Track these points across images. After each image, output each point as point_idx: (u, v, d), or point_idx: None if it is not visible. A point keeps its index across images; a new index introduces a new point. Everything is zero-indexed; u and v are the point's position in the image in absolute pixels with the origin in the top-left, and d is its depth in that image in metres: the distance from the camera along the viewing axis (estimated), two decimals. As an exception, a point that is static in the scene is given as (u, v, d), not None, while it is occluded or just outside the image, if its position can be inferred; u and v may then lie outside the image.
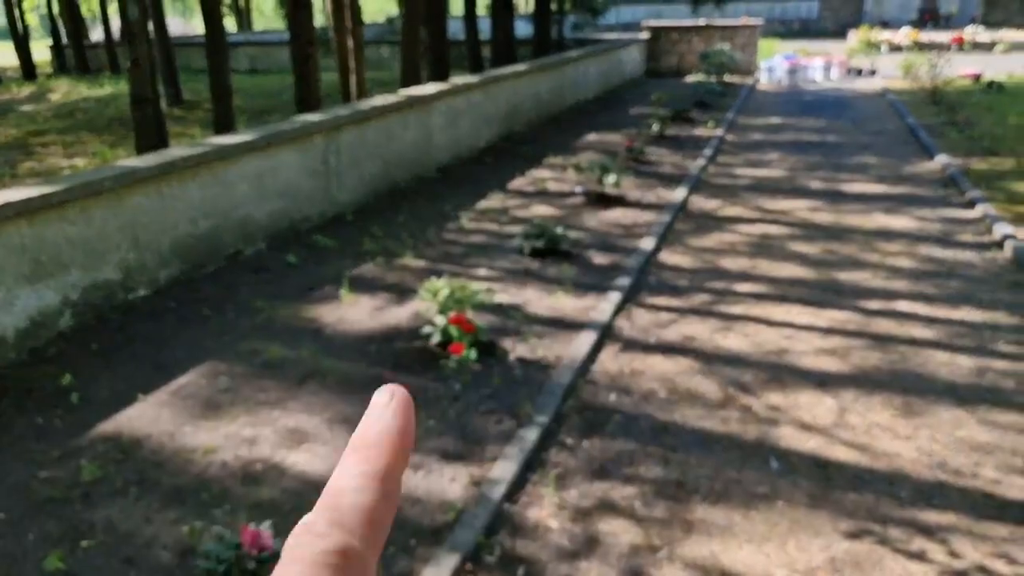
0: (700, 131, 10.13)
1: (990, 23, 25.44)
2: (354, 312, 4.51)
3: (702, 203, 6.95)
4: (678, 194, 7.01)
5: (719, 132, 9.96)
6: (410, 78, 9.76)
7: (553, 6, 16.48)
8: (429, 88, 8.57)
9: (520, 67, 10.96)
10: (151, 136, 7.50)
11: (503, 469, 2.88)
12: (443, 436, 3.17)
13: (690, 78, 14.90)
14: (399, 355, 3.93)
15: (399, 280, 5.04)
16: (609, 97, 13.76)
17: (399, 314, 4.45)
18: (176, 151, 5.24)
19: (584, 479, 2.95)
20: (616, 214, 6.55)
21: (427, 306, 4.02)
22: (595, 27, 18.21)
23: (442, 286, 3.94)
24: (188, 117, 13.31)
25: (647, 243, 5.66)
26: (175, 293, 4.79)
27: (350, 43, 9.93)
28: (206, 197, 5.21)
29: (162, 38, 14.47)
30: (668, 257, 5.56)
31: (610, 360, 3.95)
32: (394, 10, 26.24)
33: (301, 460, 3.02)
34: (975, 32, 21.34)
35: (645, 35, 16.97)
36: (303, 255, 5.55)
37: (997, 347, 4.02)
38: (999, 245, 5.55)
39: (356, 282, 4.99)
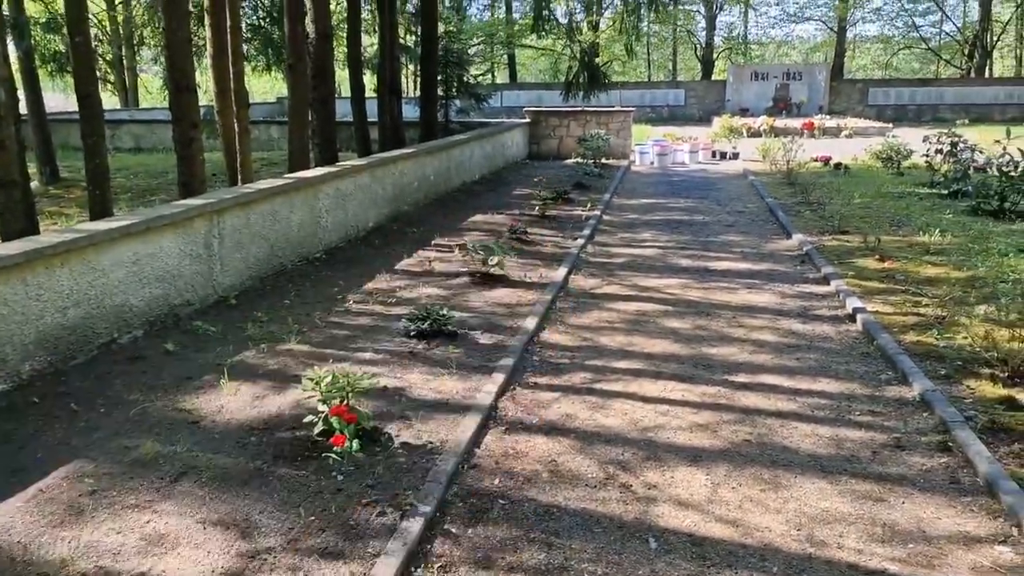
0: (579, 211, 10.55)
1: (835, 111, 27.89)
2: (234, 402, 4.40)
3: (582, 282, 7.21)
4: (559, 273, 7.25)
5: (597, 212, 10.41)
6: (298, 160, 9.76)
7: (439, 91, 16.94)
8: (316, 171, 8.61)
9: (408, 150, 11.18)
10: (18, 221, 7.15)
11: (385, 566, 2.84)
12: (323, 532, 3.11)
13: (569, 161, 15.54)
14: (280, 446, 3.84)
15: (282, 367, 4.95)
16: (494, 178, 14.16)
17: (281, 403, 4.36)
18: (44, 238, 5.02)
19: (469, 571, 2.95)
20: (500, 294, 6.70)
21: (310, 394, 3.97)
22: (480, 111, 18.79)
23: (324, 374, 3.91)
24: (65, 196, 12.80)
25: (530, 323, 5.80)
26: (39, 387, 4.53)
27: (236, 126, 9.87)
28: (77, 285, 5.00)
29: (38, 115, 13.96)
30: (550, 336, 5.71)
31: (494, 443, 4.00)
32: (284, 89, 26.23)
33: (171, 568, 2.89)
34: (823, 119, 23.32)
35: (527, 119, 17.64)
36: (183, 342, 5.38)
37: (853, 417, 4.33)
38: (851, 318, 6.01)
39: (237, 370, 4.87)
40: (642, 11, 16.92)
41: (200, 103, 9.24)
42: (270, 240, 7.21)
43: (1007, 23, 36.45)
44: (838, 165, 14.25)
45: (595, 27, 28.13)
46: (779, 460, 3.83)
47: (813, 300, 6.58)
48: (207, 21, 9.70)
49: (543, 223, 9.82)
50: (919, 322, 5.75)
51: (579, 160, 14.64)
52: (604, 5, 28.83)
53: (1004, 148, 9.95)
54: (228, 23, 9.60)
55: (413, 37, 19.03)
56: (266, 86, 35.16)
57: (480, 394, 4.50)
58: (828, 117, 25.29)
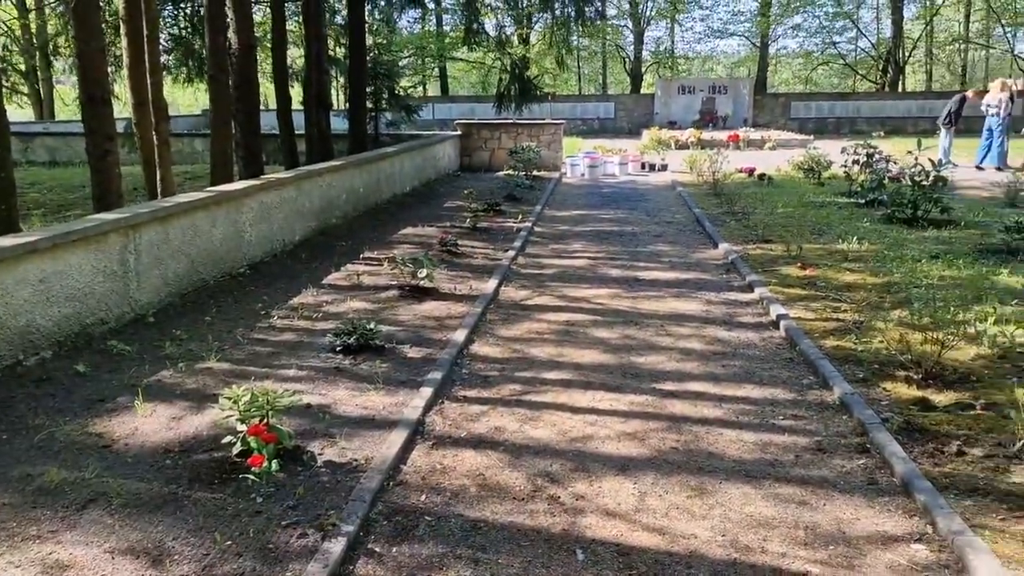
0: (511, 223, 10.56)
1: (759, 124, 28.70)
2: (149, 423, 4.22)
3: (512, 293, 7.19)
4: (489, 285, 7.22)
5: (528, 224, 10.43)
6: (221, 174, 9.51)
7: (369, 103, 16.78)
8: (239, 184, 8.40)
9: (336, 162, 11.02)
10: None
11: (306, 587, 2.75)
12: (240, 558, 2.99)
13: (501, 173, 15.56)
14: (197, 469, 3.69)
15: (201, 386, 4.78)
16: (425, 191, 14.08)
17: (199, 423, 4.21)
18: (-61, 256, 4.75)
19: (393, 588, 2.88)
20: (430, 307, 6.63)
21: (228, 414, 3.84)
22: (411, 124, 18.70)
23: (243, 392, 3.78)
24: (-37, 213, 12.11)
25: (459, 335, 5.75)
26: (-67, 415, 4.27)
27: (156, 138, 9.57)
28: (-25, 305, 4.73)
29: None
30: (479, 348, 5.67)
31: (421, 458, 3.93)
32: (208, 102, 25.58)
33: (77, 599, 2.73)
34: (748, 132, 23.97)
35: (458, 132, 17.63)
36: (95, 363, 5.15)
37: (777, 422, 4.40)
38: (775, 325, 6.14)
39: (153, 390, 4.68)
40: (571, 25, 17.06)
41: (118, 115, 8.93)
42: (190, 255, 6.98)
43: (917, 40, 38.16)
44: (762, 176, 14.63)
45: (525, 40, 28.36)
46: (705, 467, 3.86)
47: (738, 307, 6.70)
48: (123, 30, 9.40)
49: (474, 235, 9.79)
50: (838, 327, 5.91)
51: (510, 172, 14.68)
52: (534, 19, 29.10)
53: (916, 159, 10.37)
54: (146, 33, 9.32)
55: (342, 49, 18.84)
56: (191, 98, 34.33)
57: (407, 409, 4.42)
58: (752, 130, 25.99)
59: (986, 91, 16.61)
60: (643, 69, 38.44)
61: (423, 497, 3.55)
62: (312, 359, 5.29)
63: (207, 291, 7.04)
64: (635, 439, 4.17)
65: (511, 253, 8.63)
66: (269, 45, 15.07)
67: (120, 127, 9.44)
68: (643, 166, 17.53)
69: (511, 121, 18.02)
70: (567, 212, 11.95)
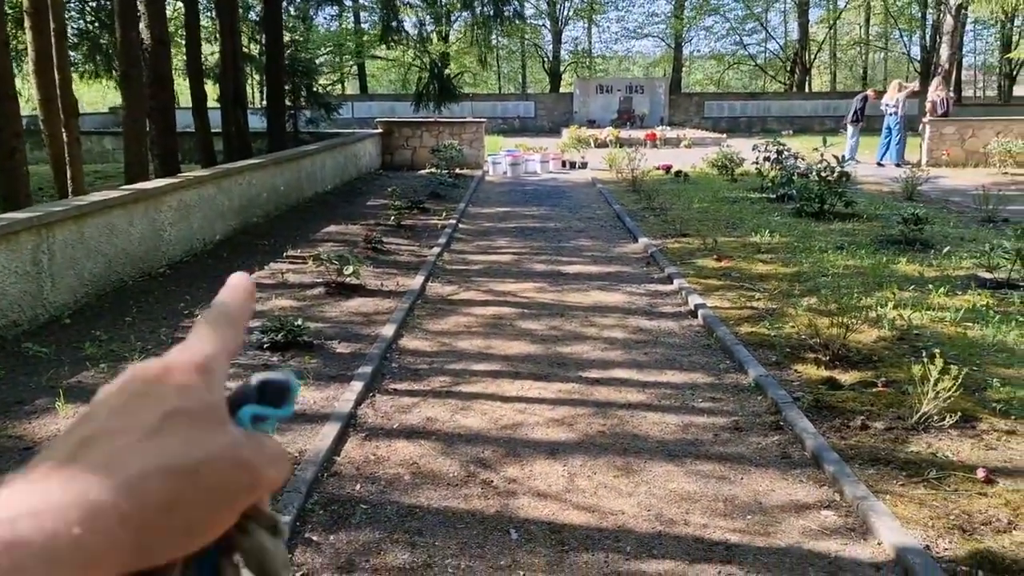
0: (435, 220, 10.61)
1: (675, 123, 29.46)
2: (71, 426, 4.12)
3: (439, 289, 7.26)
4: (416, 281, 7.27)
5: (452, 221, 10.51)
6: (136, 173, 9.25)
7: (287, 101, 16.53)
8: (157, 182, 8.22)
9: (255, 160, 10.85)
10: None
11: None
12: (178, 549, 2.99)
13: (423, 171, 15.56)
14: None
15: (124, 387, 4.69)
16: (347, 189, 13.97)
17: (124, 423, 4.14)
18: None
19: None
20: (357, 303, 6.64)
21: (156, 412, 3.79)
22: (330, 122, 18.49)
23: (172, 390, 3.75)
24: None
25: (388, 330, 5.79)
26: None
27: (65, 136, 9.23)
28: None
29: None
30: (409, 343, 5.72)
31: (355, 449, 3.97)
32: (118, 99, 24.71)
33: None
34: (664, 130, 24.61)
35: (380, 130, 17.54)
36: (10, 366, 4.99)
37: (696, 404, 4.62)
38: (693, 314, 6.39)
39: (75, 391, 4.57)
40: (491, 24, 17.17)
41: (24, 113, 8.59)
42: (107, 255, 6.80)
43: (822, 43, 39.85)
44: (678, 173, 15.07)
45: (445, 38, 28.37)
46: (630, 448, 4.03)
47: (658, 298, 6.94)
48: (27, 24, 9.03)
49: (399, 232, 9.80)
50: (753, 315, 6.20)
51: (433, 170, 14.69)
52: (453, 17, 29.13)
53: (822, 155, 10.88)
54: (52, 26, 8.98)
55: (258, 46, 18.49)
56: (97, 95, 33.01)
57: (339, 403, 4.45)
58: (669, 128, 26.66)
59: (885, 91, 17.53)
60: (562, 68, 38.93)
61: (358, 486, 3.60)
62: (239, 357, 5.24)
63: (126, 292, 6.87)
64: (563, 424, 4.31)
65: (436, 249, 8.70)
66: (183, 41, 14.68)
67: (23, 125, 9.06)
68: (564, 164, 17.79)
69: (433, 119, 18.03)
70: (491, 209, 12.07)
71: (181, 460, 0.31)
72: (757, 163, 13.28)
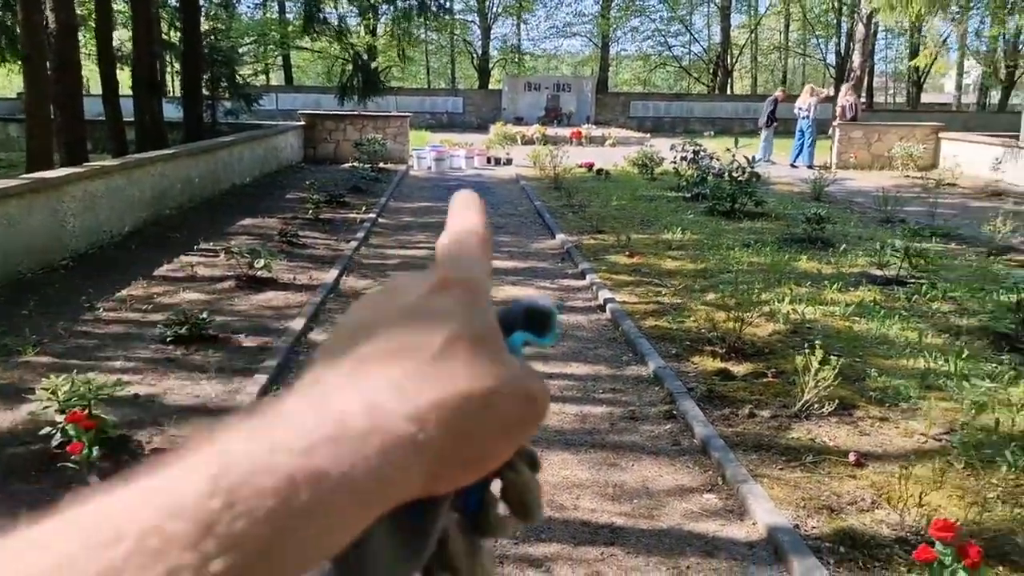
0: (354, 214, 10.55)
1: (601, 121, 29.90)
2: (-44, 421, 4.00)
3: (353, 283, 7.26)
4: (330, 275, 7.24)
5: (372, 215, 10.47)
6: (40, 161, 8.94)
7: (206, 91, 16.15)
8: (60, 171, 7.96)
9: (168, 151, 10.60)
10: None
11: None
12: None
13: (346, 165, 15.43)
14: (12, 463, 3.57)
15: (17, 380, 4.57)
16: (266, 182, 13.75)
17: (14, 418, 4.04)
18: None
19: None
20: (268, 296, 6.59)
21: (46, 405, 3.72)
22: (252, 113, 18.12)
23: (62, 382, 3.68)
24: None
25: (297, 323, 5.77)
26: None
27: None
28: None
29: None
30: (319, 336, 5.72)
31: (254, 442, 3.97)
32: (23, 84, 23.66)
33: None
34: (590, 129, 24.97)
35: (302, 122, 17.30)
36: None
37: (597, 395, 4.76)
38: (602, 308, 6.56)
39: (-40, 387, 4.42)
40: (414, 16, 17.10)
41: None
42: (3, 247, 6.56)
43: (743, 47, 41.01)
44: (600, 171, 15.34)
45: (372, 31, 28.08)
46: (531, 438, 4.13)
47: (570, 293, 7.09)
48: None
49: (316, 226, 9.72)
50: (658, 309, 6.40)
51: (356, 164, 14.58)
52: (382, 11, 28.90)
53: (733, 156, 11.26)
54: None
55: (178, 33, 17.99)
56: (2, 80, 31.54)
57: (241, 396, 4.43)
58: (594, 127, 27.04)
59: (792, 93, 18.19)
60: (491, 65, 39.01)
61: (255, 478, 3.60)
62: (141, 351, 5.16)
63: (24, 284, 6.64)
64: (466, 415, 4.39)
65: (354, 244, 8.67)
66: (93, 25, 14.18)
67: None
68: (489, 160, 17.88)
69: (357, 113, 17.87)
70: (412, 204, 12.07)
71: (473, 388, 0.29)
72: (675, 163, 13.63)
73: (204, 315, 5.42)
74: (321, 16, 15.56)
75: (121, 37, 18.70)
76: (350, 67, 16.07)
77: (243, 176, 13.11)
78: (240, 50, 24.63)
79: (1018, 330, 5.39)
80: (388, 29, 22.08)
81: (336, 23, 14.91)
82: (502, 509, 0.36)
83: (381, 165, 15.64)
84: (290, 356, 5.22)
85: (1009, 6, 20.39)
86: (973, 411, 4.23)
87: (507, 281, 7.44)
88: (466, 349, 0.30)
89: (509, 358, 0.32)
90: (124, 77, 15.48)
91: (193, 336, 5.28)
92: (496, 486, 0.35)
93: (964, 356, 5.08)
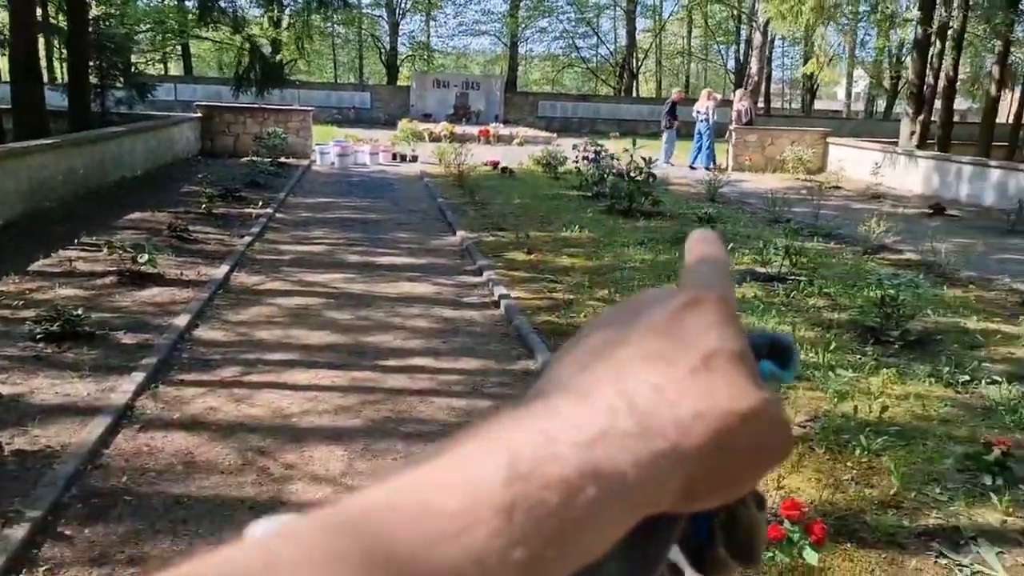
0: (250, 209, 10.29)
1: (510, 120, 30.10)
2: None
3: (244, 279, 7.09)
4: (220, 271, 7.05)
5: (269, 210, 10.24)
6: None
7: (95, 79, 15.41)
8: (-79, 159, 7.45)
9: (48, 140, 10.08)
10: None
11: (-23, 573, 2.64)
12: (-100, 550, 2.79)
13: (245, 159, 15.02)
14: None
15: None
16: (159, 175, 13.24)
17: None
18: None
19: (81, 570, 2.84)
20: (152, 292, 6.36)
21: None
22: (146, 103, 17.39)
23: (-88, 382, 3.47)
24: None
25: (182, 320, 5.60)
26: None
27: None
28: None
29: None
30: (204, 333, 5.56)
31: (127, 442, 3.84)
32: None
33: None
34: (498, 127, 25.10)
35: (198, 114, 16.74)
36: None
37: (485, 389, 4.81)
38: (496, 304, 6.62)
39: None
40: (313, 8, 16.78)
41: None
42: None
43: (648, 50, 42.03)
44: (505, 169, 15.44)
45: (276, 23, 27.41)
46: (413, 433, 4.15)
47: (467, 289, 7.13)
48: None
49: (209, 221, 9.44)
50: (551, 305, 6.51)
51: (255, 159, 14.23)
52: (287, 2, 28.21)
53: (631, 156, 11.53)
54: None
55: (66, 17, 17.08)
56: None
57: (115, 394, 4.27)
58: (503, 126, 27.18)
59: (692, 97, 18.77)
60: (399, 61, 38.71)
61: (125, 479, 3.49)
62: (8, 348, 4.90)
63: None
64: (351, 412, 4.37)
65: (247, 239, 8.46)
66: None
67: None
68: (394, 156, 17.75)
69: (258, 105, 17.41)
70: (312, 200, 11.86)
71: (736, 406, 0.28)
72: (577, 162, 13.86)
73: (79, 312, 5.20)
74: (218, 4, 15.04)
75: (3, 20, 17.65)
76: (246, 57, 15.59)
77: (134, 168, 12.60)
78: (136, 37, 23.63)
79: (883, 323, 5.74)
80: (292, 21, 21.60)
81: (232, 12, 14.42)
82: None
83: (282, 160, 15.31)
84: (172, 353, 5.06)
85: (892, 20, 21.60)
86: (836, 400, 4.48)
87: (404, 277, 7.42)
88: (725, 366, 0.29)
89: (763, 384, 0.30)
90: (5, 64, 14.63)
91: (66, 333, 5.05)
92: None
93: (832, 348, 5.38)
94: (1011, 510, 3.43)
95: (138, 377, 4.51)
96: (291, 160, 16.03)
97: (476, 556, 0.22)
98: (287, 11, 24.29)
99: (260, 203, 10.68)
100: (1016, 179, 13.75)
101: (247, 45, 15.54)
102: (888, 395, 4.67)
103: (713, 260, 0.35)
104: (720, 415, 0.27)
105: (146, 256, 6.58)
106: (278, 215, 10.30)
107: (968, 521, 3.32)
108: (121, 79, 16.81)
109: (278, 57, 21.78)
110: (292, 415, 4.27)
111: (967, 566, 3.04)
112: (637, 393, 0.27)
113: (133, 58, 19.27)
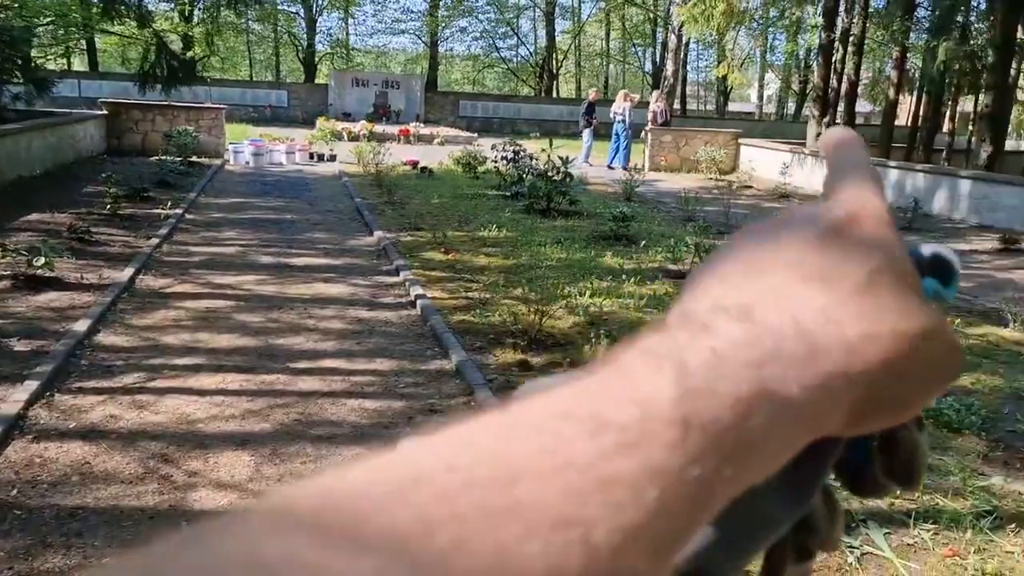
0: (159, 210, 9.93)
1: (431, 120, 29.99)
2: None
3: (151, 282, 6.86)
4: (125, 274, 6.80)
5: (179, 211, 9.93)
6: None
7: (-12, 72, 14.62)
8: None
9: (-65, 137, 9.52)
10: None
11: None
12: None
13: (155, 158, 14.51)
14: None
15: None
16: (60, 174, 12.66)
17: None
18: None
19: (-36, 586, 2.70)
20: (49, 297, 6.09)
21: None
22: (45, 99, 16.60)
23: None
24: None
25: (81, 326, 5.37)
26: None
27: None
28: None
29: None
30: (106, 339, 5.36)
31: (17, 453, 3.66)
32: None
33: None
34: (418, 127, 24.97)
35: (104, 111, 16.10)
36: None
37: (398, 390, 4.78)
38: (413, 304, 6.59)
39: None
40: (223, 3, 16.34)
41: None
42: None
43: (567, 52, 42.48)
44: (424, 169, 15.37)
45: (187, 18, 26.60)
46: (324, 435, 4.10)
47: (383, 290, 7.07)
48: None
49: (114, 222, 9.09)
50: (467, 304, 6.52)
51: (165, 157, 13.76)
52: (197, -3, 27.35)
53: (548, 156, 11.63)
54: None
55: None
56: None
57: (5, 404, 4.07)
58: (423, 125, 27.04)
59: (610, 98, 19.08)
60: (317, 59, 38.07)
61: (14, 492, 3.34)
62: None
63: None
64: (260, 415, 4.28)
65: (155, 241, 8.18)
66: None
67: None
68: (312, 156, 17.45)
69: (167, 103, 16.85)
70: (225, 200, 11.56)
71: (907, 326, 0.27)
72: (496, 162, 13.90)
73: (-33, 318, 4.93)
74: (124, -1, 14.46)
75: None
76: (152, 53, 15.04)
77: (32, 167, 12.02)
78: (36, 31, 22.53)
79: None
80: (202, 16, 20.98)
81: (138, 5, 13.85)
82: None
83: (193, 159, 14.85)
84: (70, 360, 4.86)
85: (798, 26, 22.44)
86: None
87: (319, 278, 7.31)
88: (892, 285, 0.28)
89: (927, 302, 0.29)
90: None
91: (-47, 341, 4.79)
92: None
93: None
94: (897, 493, 3.61)
95: (32, 385, 4.31)
96: (203, 159, 15.57)
97: (652, 470, 0.21)
98: (198, 6, 23.62)
99: (169, 203, 10.32)
100: (913, 179, 14.49)
101: (154, 40, 14.98)
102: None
103: (862, 168, 0.32)
104: (891, 336, 0.27)
105: (42, 259, 6.30)
106: (188, 216, 10.00)
107: (859, 505, 3.48)
108: (19, 74, 16.01)
109: (189, 54, 21.15)
110: (197, 421, 4.15)
111: (857, 547, 3.19)
112: (801, 313, 0.26)
113: (33, 52, 18.37)
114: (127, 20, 14.99)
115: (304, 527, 0.19)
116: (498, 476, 0.20)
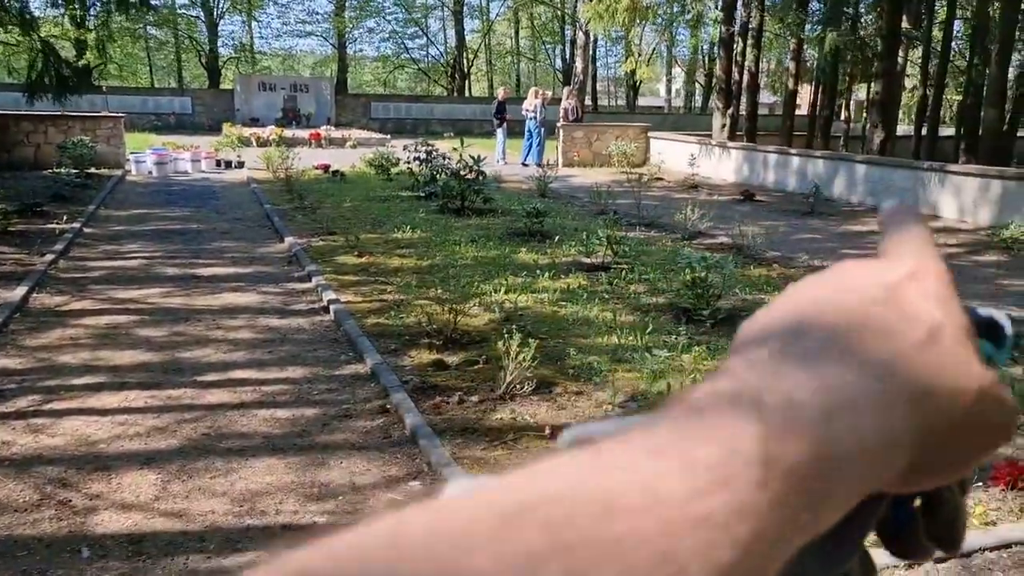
0: (54, 225, 9.48)
1: (342, 123, 29.54)
2: None
3: (46, 300, 6.55)
4: (16, 293, 6.46)
5: (76, 225, 9.50)
6: None
7: None
8: None
9: None
10: None
11: None
12: None
13: (49, 171, 13.84)
14: None
15: None
16: (-56, 191, 11.95)
17: None
18: None
19: None
20: (-67, 323, 5.74)
21: None
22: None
23: None
24: None
25: (-31, 351, 5.09)
26: None
27: None
28: None
29: None
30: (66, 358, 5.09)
31: (-102, 489, 3.44)
32: None
33: None
34: (329, 130, 24.58)
35: (-10, 123, 15.26)
36: None
37: (311, 397, 4.70)
38: (326, 310, 6.48)
39: None
40: (113, 8, 15.73)
41: None
42: None
43: (477, 51, 42.52)
44: (335, 172, 15.13)
45: (79, 23, 25.45)
46: (234, 448, 3.99)
47: (294, 296, 6.93)
48: None
49: (4, 240, 8.63)
50: (382, 307, 6.45)
51: (60, 170, 13.14)
52: (90, 2, 26.22)
53: (460, 155, 11.62)
54: None
55: None
56: None
57: None
58: (334, 128, 26.63)
59: (522, 96, 19.20)
60: (220, 63, 37.02)
61: None
62: None
63: None
64: (166, 432, 4.14)
65: (49, 258, 7.79)
66: None
67: None
68: (219, 163, 16.95)
69: (60, 113, 16.09)
70: (126, 212, 11.12)
71: (964, 384, 0.27)
72: (409, 163, 13.79)
73: None
74: (2, 2, 13.66)
75: None
76: (39, 62, 14.34)
77: (-88, 186, 11.30)
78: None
79: (695, 304, 6.11)
80: (94, 23, 20.13)
81: (20, 11, 13.11)
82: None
83: (92, 170, 14.23)
84: (-43, 387, 4.59)
85: (699, 20, 23.04)
86: (652, 379, 4.73)
87: (227, 288, 7.11)
88: (951, 342, 0.28)
89: (981, 363, 0.29)
90: None
91: None
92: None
93: (650, 331, 5.67)
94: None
95: (-86, 416, 4.06)
96: (103, 171, 14.94)
97: (741, 510, 0.21)
98: (90, 11, 22.63)
99: (65, 217, 9.86)
100: (814, 165, 15.07)
101: (41, 48, 14.28)
102: (699, 371, 4.98)
103: (921, 232, 0.33)
104: (950, 393, 0.27)
105: (-76, 282, 5.93)
106: (87, 230, 9.57)
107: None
108: None
109: (82, 61, 20.25)
110: (99, 441, 3.99)
111: None
112: (867, 365, 0.26)
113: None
114: (10, 27, 14.20)
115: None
116: (597, 511, 0.20)
